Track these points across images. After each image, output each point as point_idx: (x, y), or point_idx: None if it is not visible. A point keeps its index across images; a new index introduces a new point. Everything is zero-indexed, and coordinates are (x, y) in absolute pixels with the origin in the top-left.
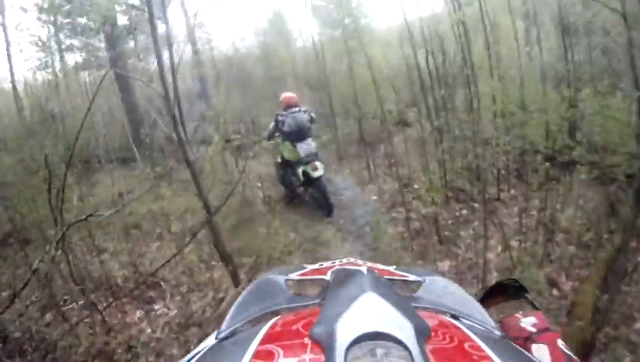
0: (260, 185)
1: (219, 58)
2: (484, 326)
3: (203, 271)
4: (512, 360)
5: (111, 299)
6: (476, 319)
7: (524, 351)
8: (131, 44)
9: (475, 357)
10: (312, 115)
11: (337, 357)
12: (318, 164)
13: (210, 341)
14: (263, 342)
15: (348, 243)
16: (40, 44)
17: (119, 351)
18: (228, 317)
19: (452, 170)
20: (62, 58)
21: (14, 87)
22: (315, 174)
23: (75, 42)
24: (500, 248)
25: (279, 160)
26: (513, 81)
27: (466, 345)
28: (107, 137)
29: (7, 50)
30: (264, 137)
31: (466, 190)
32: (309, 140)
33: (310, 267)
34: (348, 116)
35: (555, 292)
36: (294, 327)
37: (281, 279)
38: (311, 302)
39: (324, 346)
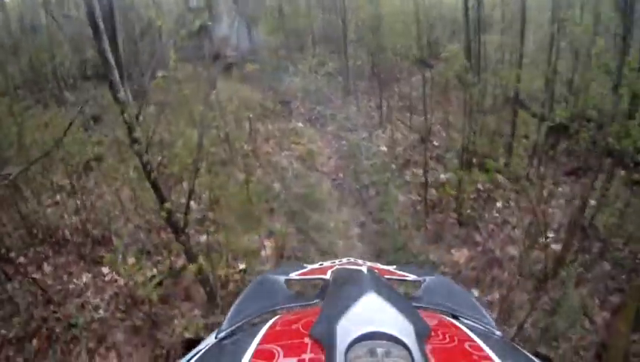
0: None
1: None
2: (484, 326)
3: (165, 227)
4: (512, 359)
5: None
6: (476, 319)
7: (524, 351)
8: None
9: (475, 357)
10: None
11: (337, 356)
12: None
13: (210, 340)
14: (262, 341)
15: (347, 207)
16: None
17: (58, 329)
18: (228, 317)
19: (481, 129)
20: None
21: None
22: None
23: None
24: (527, 243)
25: None
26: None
27: (466, 345)
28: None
29: None
30: None
31: (491, 157)
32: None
33: (310, 266)
34: (362, 46)
35: (587, 324)
36: (294, 327)
37: (280, 278)
38: (311, 302)
39: (324, 346)
